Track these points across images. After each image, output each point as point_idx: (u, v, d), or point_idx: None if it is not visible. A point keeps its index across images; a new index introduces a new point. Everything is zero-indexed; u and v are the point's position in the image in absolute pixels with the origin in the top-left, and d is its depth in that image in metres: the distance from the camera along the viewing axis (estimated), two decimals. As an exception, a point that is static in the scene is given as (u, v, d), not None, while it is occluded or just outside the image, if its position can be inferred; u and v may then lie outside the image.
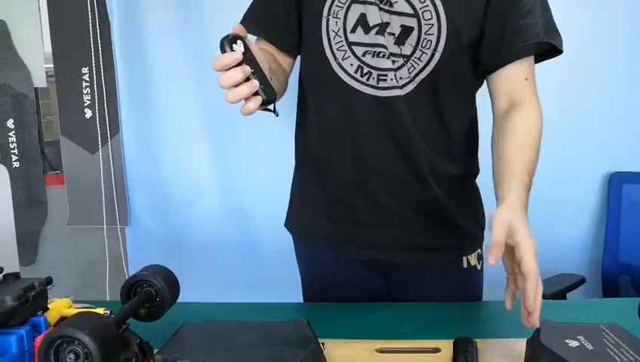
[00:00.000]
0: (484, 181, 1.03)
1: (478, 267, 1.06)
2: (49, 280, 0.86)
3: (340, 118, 0.96)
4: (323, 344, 0.73)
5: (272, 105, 0.78)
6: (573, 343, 0.65)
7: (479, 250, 1.06)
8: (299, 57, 1.04)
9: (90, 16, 1.84)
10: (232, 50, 0.72)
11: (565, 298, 1.46)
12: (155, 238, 1.97)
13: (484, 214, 1.08)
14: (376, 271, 1.04)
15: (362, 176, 0.97)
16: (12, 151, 2.01)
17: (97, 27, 1.85)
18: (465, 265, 1.03)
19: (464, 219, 1.02)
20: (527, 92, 0.91)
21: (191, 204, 1.93)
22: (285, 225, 1.14)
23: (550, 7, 0.93)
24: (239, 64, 0.72)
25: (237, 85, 0.73)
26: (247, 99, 0.75)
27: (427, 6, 0.89)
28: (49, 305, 0.77)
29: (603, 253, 1.74)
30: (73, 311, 0.79)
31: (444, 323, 0.87)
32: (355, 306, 0.97)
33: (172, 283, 0.82)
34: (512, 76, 0.92)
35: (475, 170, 1.06)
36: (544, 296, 1.40)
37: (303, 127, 1.06)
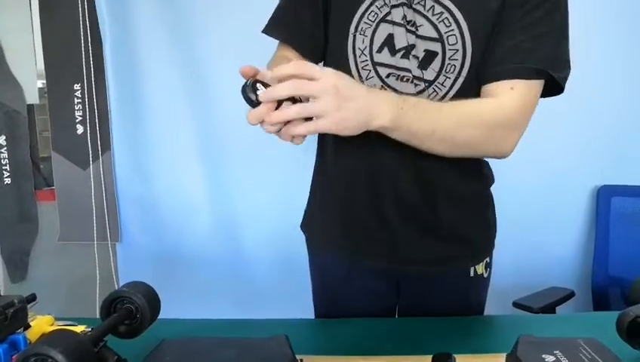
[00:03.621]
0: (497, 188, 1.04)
1: (485, 275, 1.06)
2: (32, 298, 0.85)
3: (358, 137, 0.93)
4: (302, 360, 0.73)
5: None
6: (550, 358, 0.65)
7: (488, 259, 1.06)
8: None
9: (82, 34, 1.86)
10: (256, 95, 0.72)
11: (555, 312, 1.46)
12: (146, 254, 1.97)
13: (495, 222, 1.08)
14: (386, 280, 1.05)
15: (376, 199, 0.97)
16: (4, 168, 2.01)
17: (90, 44, 1.87)
18: (472, 273, 1.03)
19: (475, 231, 1.03)
20: (506, 96, 0.85)
21: (182, 221, 1.93)
22: (301, 226, 1.14)
23: (569, 38, 0.87)
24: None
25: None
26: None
27: (452, 30, 0.86)
28: (31, 323, 0.77)
29: (592, 267, 1.74)
30: (54, 328, 0.79)
31: (427, 338, 0.87)
32: (338, 322, 0.98)
33: (152, 300, 0.81)
34: (499, 86, 0.86)
35: (491, 181, 1.05)
36: (533, 310, 1.42)
37: (324, 136, 1.04)
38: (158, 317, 0.81)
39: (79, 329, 0.78)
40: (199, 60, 1.82)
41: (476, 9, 0.86)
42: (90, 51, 1.87)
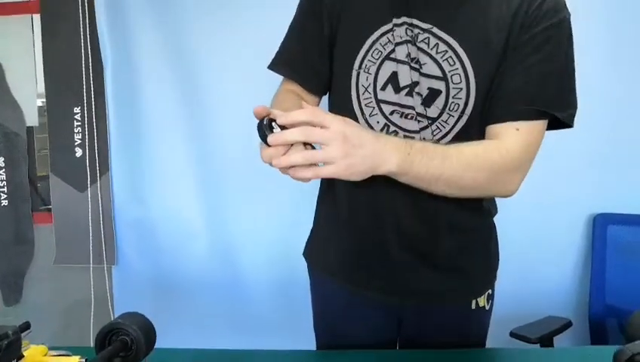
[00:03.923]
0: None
1: (487, 307, 1.06)
2: (26, 326, 0.85)
3: None
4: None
5: None
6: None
7: (490, 291, 1.06)
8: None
9: (83, 58, 1.88)
10: (272, 133, 0.74)
11: (552, 342, 1.45)
12: (142, 278, 1.96)
13: (498, 255, 1.08)
14: (386, 311, 1.05)
15: (379, 229, 0.98)
16: (1, 190, 2.01)
17: (90, 69, 1.89)
18: (473, 306, 1.04)
19: (477, 265, 1.03)
20: (510, 137, 0.86)
21: (179, 245, 1.92)
22: (303, 253, 1.14)
23: (574, 76, 0.88)
24: None
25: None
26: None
27: (457, 69, 0.87)
28: (24, 352, 0.76)
29: (589, 296, 1.73)
30: (48, 359, 0.78)
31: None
32: (338, 354, 0.98)
33: (148, 332, 0.81)
34: (503, 127, 0.87)
35: (494, 212, 1.06)
36: (530, 341, 1.41)
37: None
38: (155, 347, 0.81)
39: (74, 360, 0.77)
40: (199, 87, 1.84)
41: (480, 48, 0.87)
42: (91, 75, 1.89)
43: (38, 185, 2.03)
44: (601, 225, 1.74)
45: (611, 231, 1.72)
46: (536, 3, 0.86)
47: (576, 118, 1.57)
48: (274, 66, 1.02)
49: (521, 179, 0.88)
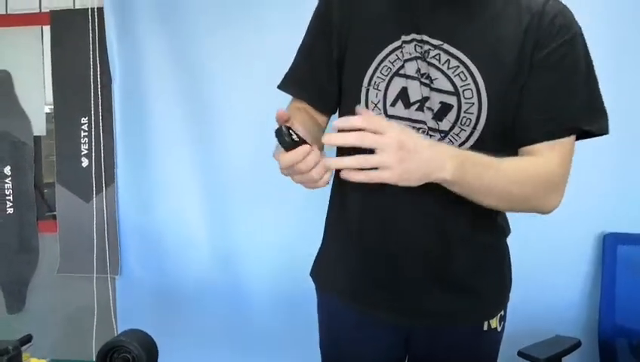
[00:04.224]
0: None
1: (499, 329, 1.04)
2: (27, 339, 0.84)
3: (371, 187, 0.93)
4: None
5: None
6: None
7: (502, 312, 1.05)
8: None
9: (92, 70, 1.89)
10: (292, 138, 0.74)
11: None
12: (146, 289, 1.95)
13: (511, 277, 1.07)
14: (395, 331, 1.03)
15: (390, 247, 0.97)
16: (7, 198, 2.02)
17: (99, 80, 1.90)
18: (485, 327, 1.02)
19: (489, 285, 1.01)
20: (548, 154, 0.87)
21: (183, 256, 1.91)
22: (311, 274, 1.13)
23: (597, 80, 0.89)
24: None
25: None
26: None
27: (468, 84, 0.87)
28: (24, 367, 0.76)
29: (599, 316, 1.70)
30: (48, 375, 0.78)
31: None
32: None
33: (150, 349, 0.80)
34: (539, 149, 0.88)
35: (507, 232, 1.05)
36: (538, 361, 1.37)
37: (338, 184, 1.05)
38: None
39: (73, 378, 0.76)
40: (207, 100, 1.84)
41: (491, 64, 0.87)
42: (100, 87, 1.90)
43: (45, 191, 2.03)
44: (611, 244, 1.71)
45: (621, 250, 1.69)
46: (548, 18, 0.86)
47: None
48: (283, 86, 1.03)
49: (562, 195, 0.90)
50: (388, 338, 1.05)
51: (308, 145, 0.75)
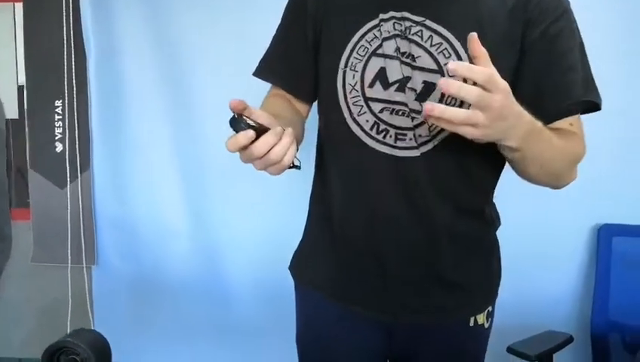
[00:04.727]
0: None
1: (486, 325, 1.00)
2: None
3: (354, 175, 0.92)
4: None
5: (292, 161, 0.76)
6: None
7: (490, 308, 1.00)
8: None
9: (66, 48, 1.80)
10: (248, 125, 0.71)
11: (552, 359, 1.36)
12: (123, 280, 1.89)
13: (500, 271, 1.03)
14: (378, 327, 0.99)
15: (374, 240, 0.93)
16: (-22, 184, 1.93)
17: (73, 59, 1.80)
18: (471, 323, 0.98)
19: (477, 279, 0.98)
20: (571, 132, 0.87)
21: (162, 245, 1.85)
22: (289, 267, 1.08)
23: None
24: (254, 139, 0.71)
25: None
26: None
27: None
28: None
29: (592, 310, 1.64)
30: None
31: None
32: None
33: (101, 351, 0.73)
34: (560, 127, 0.87)
35: (497, 224, 1.01)
36: (529, 358, 1.32)
37: (320, 173, 1.02)
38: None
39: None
40: (186, 81, 1.76)
41: None
42: (74, 67, 1.80)
43: (18, 178, 1.95)
44: (606, 236, 1.65)
45: (616, 242, 1.64)
46: None
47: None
48: (258, 73, 1.00)
49: (577, 170, 0.90)
50: (369, 334, 1.00)
51: (252, 134, 0.70)
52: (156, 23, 1.74)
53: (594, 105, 0.89)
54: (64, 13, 1.79)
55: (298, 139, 0.90)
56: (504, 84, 0.67)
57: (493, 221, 0.99)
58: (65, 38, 1.79)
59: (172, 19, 1.73)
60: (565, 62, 0.85)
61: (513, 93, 0.83)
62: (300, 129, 0.95)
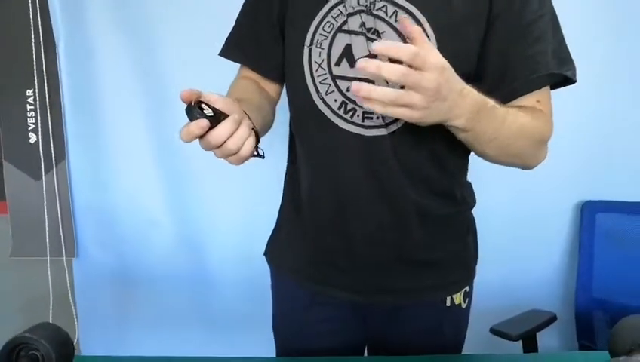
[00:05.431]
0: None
1: (463, 305, 0.99)
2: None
3: (323, 155, 0.90)
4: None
5: (256, 150, 0.74)
6: None
7: (467, 288, 0.99)
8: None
9: (34, 35, 1.73)
10: (204, 115, 0.68)
11: (535, 337, 1.36)
12: (105, 271, 1.85)
13: (477, 249, 1.02)
14: (353, 311, 0.99)
15: (343, 220, 0.91)
16: (-47, 178, 1.88)
17: (42, 46, 1.74)
18: (448, 303, 0.97)
19: (452, 258, 0.96)
20: (537, 108, 0.84)
21: (143, 235, 1.81)
22: (264, 253, 1.08)
23: (561, 26, 0.86)
24: (212, 126, 0.68)
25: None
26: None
27: None
28: None
29: (576, 288, 1.64)
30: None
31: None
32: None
33: (62, 345, 0.70)
34: (525, 102, 0.84)
35: (471, 203, 0.99)
36: (511, 338, 1.32)
37: (292, 155, 1.00)
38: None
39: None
40: (159, 64, 1.70)
41: (442, 15, 0.81)
42: (43, 54, 1.74)
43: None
44: (589, 212, 1.64)
45: (600, 219, 1.63)
46: None
47: (562, 97, 1.47)
48: (225, 53, 0.97)
49: (547, 150, 0.88)
50: (343, 317, 0.99)
51: (206, 123, 0.68)
52: (127, 6, 1.67)
53: (566, 79, 0.85)
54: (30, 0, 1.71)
55: (265, 125, 0.88)
56: (437, 62, 0.65)
57: (466, 200, 0.97)
58: (32, 25, 1.72)
59: (143, 3, 1.67)
60: (533, 32, 0.82)
61: (480, 66, 0.81)
62: (268, 113, 0.93)
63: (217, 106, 0.70)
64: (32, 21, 1.72)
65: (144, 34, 1.69)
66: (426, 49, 0.64)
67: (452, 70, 0.68)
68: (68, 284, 1.87)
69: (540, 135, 0.84)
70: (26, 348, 0.68)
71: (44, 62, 1.74)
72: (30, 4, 1.71)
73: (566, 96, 1.54)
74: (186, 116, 0.69)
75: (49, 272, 1.86)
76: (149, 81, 1.71)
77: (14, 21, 1.74)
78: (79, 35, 1.71)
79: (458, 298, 0.98)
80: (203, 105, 0.69)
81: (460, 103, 0.71)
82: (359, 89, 0.64)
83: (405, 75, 0.63)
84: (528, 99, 0.84)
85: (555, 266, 1.70)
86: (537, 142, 0.85)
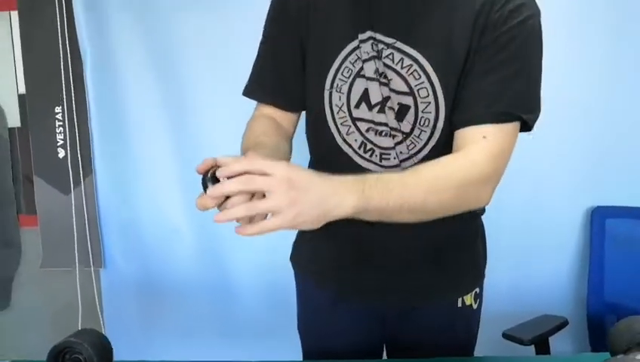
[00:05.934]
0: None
1: (474, 306, 1.04)
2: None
3: (343, 166, 0.91)
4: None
5: None
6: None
7: (477, 289, 1.04)
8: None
9: (62, 54, 1.82)
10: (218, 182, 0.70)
11: (547, 343, 1.39)
12: (131, 281, 1.92)
13: (485, 253, 1.06)
14: (371, 314, 1.04)
15: (361, 231, 0.92)
16: (-15, 193, 1.98)
17: (70, 65, 1.82)
18: (459, 304, 1.01)
19: (462, 261, 1.01)
20: (477, 147, 0.81)
21: (167, 246, 1.88)
22: (290, 258, 1.13)
23: (540, 79, 0.85)
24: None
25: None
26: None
27: (423, 83, 0.85)
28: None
29: (587, 293, 1.67)
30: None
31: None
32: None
33: (103, 350, 0.77)
34: (469, 134, 0.82)
35: (480, 211, 1.03)
36: (523, 342, 1.35)
37: (314, 165, 1.02)
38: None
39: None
40: (184, 83, 1.78)
41: (445, 59, 0.84)
42: (71, 72, 1.83)
43: (27, 185, 1.98)
44: (599, 218, 1.67)
45: (610, 224, 1.65)
46: (500, 3, 0.82)
47: (572, 105, 1.49)
48: (248, 93, 1.00)
49: (493, 189, 0.84)
50: (364, 321, 1.05)
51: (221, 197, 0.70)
52: (151, 23, 1.75)
53: (525, 123, 0.83)
54: (58, 19, 1.80)
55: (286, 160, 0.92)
56: (275, 162, 0.68)
57: (475, 212, 1.01)
58: (60, 43, 1.81)
59: (166, 18, 1.73)
60: (503, 70, 0.81)
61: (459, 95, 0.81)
62: (286, 151, 0.96)
63: (234, 170, 0.70)
64: (60, 41, 1.81)
65: (168, 51, 1.76)
66: (260, 159, 0.68)
67: (300, 167, 0.70)
68: (95, 294, 1.95)
69: (463, 178, 0.80)
70: (71, 351, 0.75)
71: (72, 81, 1.83)
72: (59, 26, 1.80)
73: (576, 98, 1.60)
74: (202, 187, 0.72)
75: (77, 282, 1.94)
76: (172, 98, 1.79)
77: (44, 42, 1.83)
78: (105, 54, 1.79)
79: (469, 299, 1.02)
80: (218, 175, 0.71)
81: (331, 190, 0.70)
82: (218, 219, 0.68)
83: (247, 179, 0.66)
84: (474, 132, 0.81)
85: (566, 271, 1.73)
86: (461, 189, 0.80)
